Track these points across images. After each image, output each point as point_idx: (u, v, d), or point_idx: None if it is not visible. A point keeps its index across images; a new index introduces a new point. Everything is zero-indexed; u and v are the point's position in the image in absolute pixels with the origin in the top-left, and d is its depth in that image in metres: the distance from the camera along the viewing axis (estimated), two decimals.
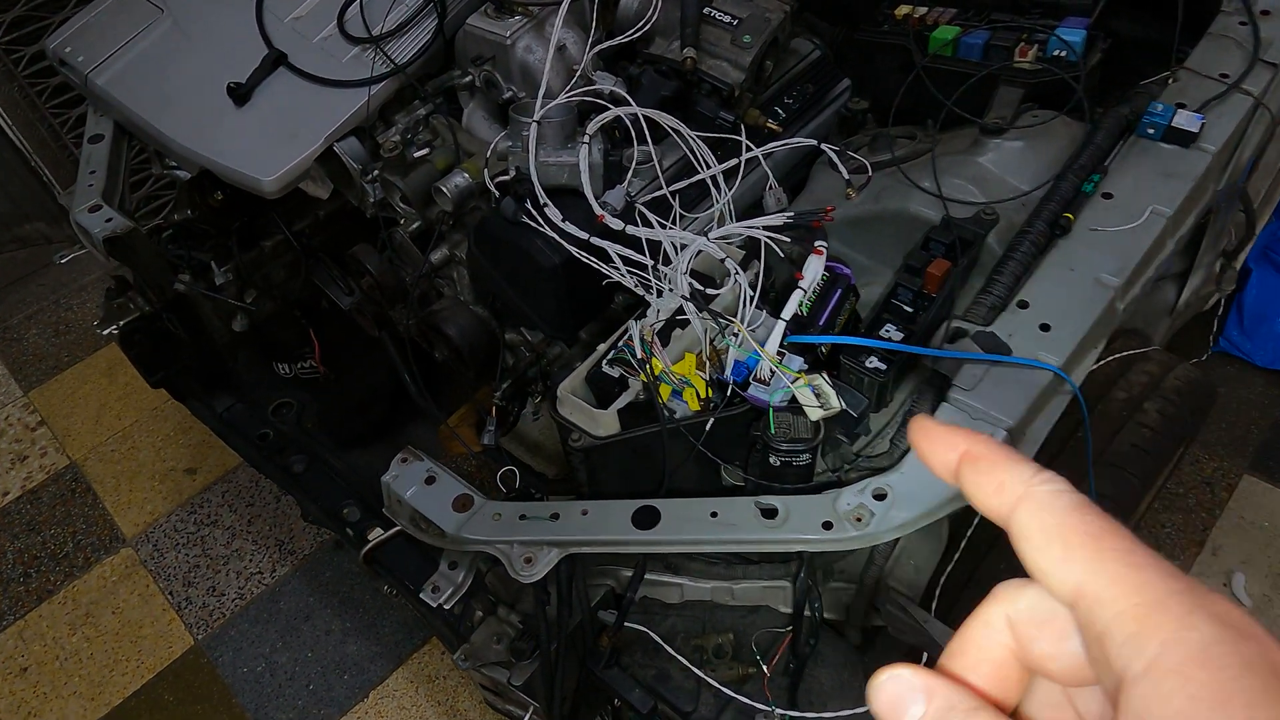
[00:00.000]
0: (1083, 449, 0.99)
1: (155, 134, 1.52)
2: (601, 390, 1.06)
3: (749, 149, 1.25)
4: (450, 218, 1.35)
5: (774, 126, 1.32)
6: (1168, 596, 0.25)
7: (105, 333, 1.60)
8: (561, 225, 1.13)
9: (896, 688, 0.29)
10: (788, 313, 0.94)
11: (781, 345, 0.96)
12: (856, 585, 1.00)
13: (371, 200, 1.47)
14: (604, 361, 1.05)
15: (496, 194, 1.18)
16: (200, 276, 1.69)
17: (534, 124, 1.16)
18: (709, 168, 1.25)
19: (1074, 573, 0.27)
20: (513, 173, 1.18)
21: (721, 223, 1.24)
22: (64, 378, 2.61)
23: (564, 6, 1.20)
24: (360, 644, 1.94)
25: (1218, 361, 2.25)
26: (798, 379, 0.92)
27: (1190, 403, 1.19)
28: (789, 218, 0.99)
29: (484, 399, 1.68)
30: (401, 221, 1.48)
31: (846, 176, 1.17)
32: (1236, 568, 1.88)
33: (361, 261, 1.54)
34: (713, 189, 1.25)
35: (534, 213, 1.13)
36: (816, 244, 0.95)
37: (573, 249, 1.11)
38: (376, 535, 1.45)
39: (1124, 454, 1.11)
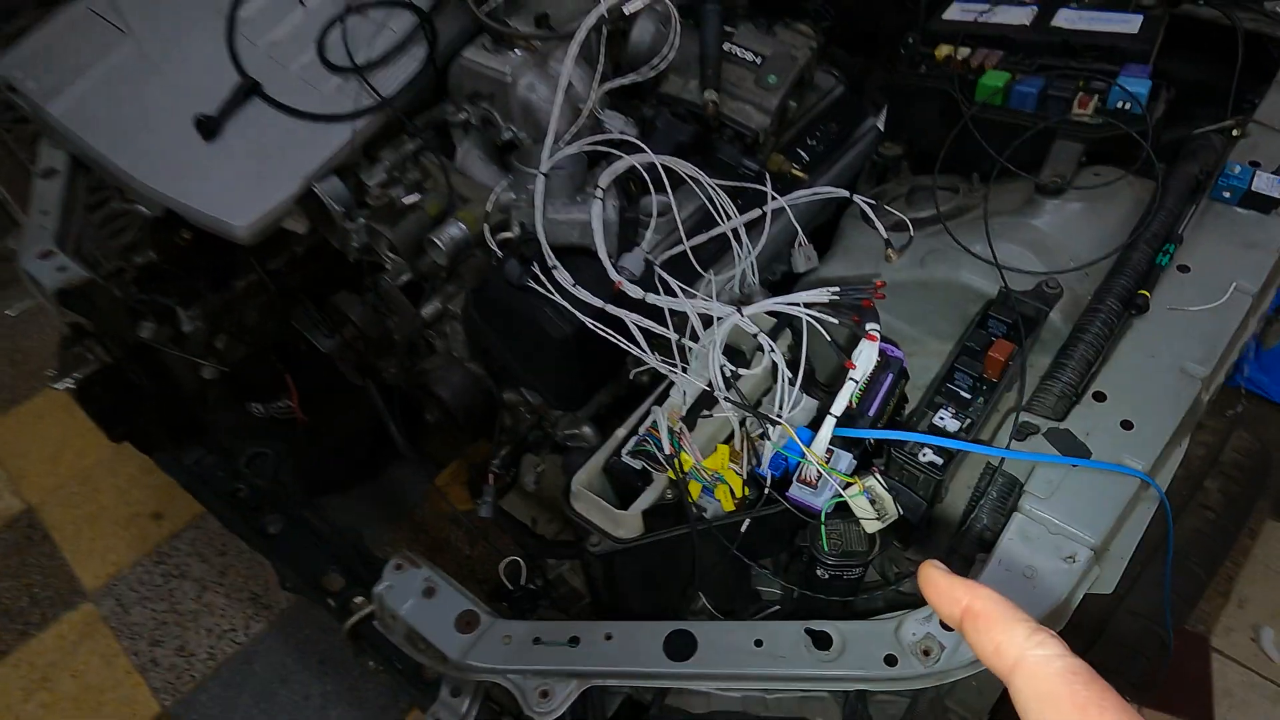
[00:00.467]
0: (1156, 551, 0.89)
1: (115, 170, 1.38)
2: (621, 482, 0.94)
3: (774, 198, 1.14)
4: (444, 270, 1.23)
5: (799, 173, 1.21)
6: None
7: (60, 387, 1.46)
8: (573, 291, 1.01)
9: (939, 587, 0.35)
10: (838, 407, 0.83)
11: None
12: (910, 702, 0.90)
13: (355, 245, 1.34)
14: (624, 451, 0.93)
15: (499, 253, 1.06)
16: (166, 322, 1.55)
17: (541, 176, 1.04)
18: (730, 219, 1.14)
19: None
20: (516, 229, 1.06)
21: (744, 281, 1.13)
22: (20, 412, 2.45)
23: (575, 42, 1.08)
24: (342, 710, 1.81)
25: (1232, 398, 2.18)
26: (851, 484, 0.81)
27: (1251, 476, 1.09)
28: (834, 294, 0.88)
29: (476, 454, 1.56)
30: (388, 268, 1.35)
31: (885, 235, 1.07)
32: (1264, 622, 1.80)
33: (343, 311, 1.41)
34: (734, 244, 1.13)
35: (541, 276, 1.01)
36: (869, 327, 0.84)
37: (585, 319, 1.00)
38: (362, 607, 1.33)
39: (1187, 541, 1.01)
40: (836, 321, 0.86)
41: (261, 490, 1.68)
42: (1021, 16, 1.16)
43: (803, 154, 1.27)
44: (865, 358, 0.84)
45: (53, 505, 2.21)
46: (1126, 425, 0.82)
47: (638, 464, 0.93)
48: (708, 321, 0.98)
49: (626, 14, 1.18)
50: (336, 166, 1.34)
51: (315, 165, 1.31)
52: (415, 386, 1.33)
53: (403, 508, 2.13)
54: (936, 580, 0.37)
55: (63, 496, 2.22)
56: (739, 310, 0.91)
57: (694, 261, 1.09)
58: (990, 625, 0.34)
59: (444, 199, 1.28)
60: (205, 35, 1.45)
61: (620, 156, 1.09)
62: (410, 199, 1.24)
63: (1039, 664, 0.32)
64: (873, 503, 0.81)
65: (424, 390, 1.31)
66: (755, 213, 1.16)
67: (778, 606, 1.03)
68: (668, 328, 0.98)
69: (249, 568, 2.04)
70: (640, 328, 0.99)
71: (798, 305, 0.89)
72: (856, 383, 0.83)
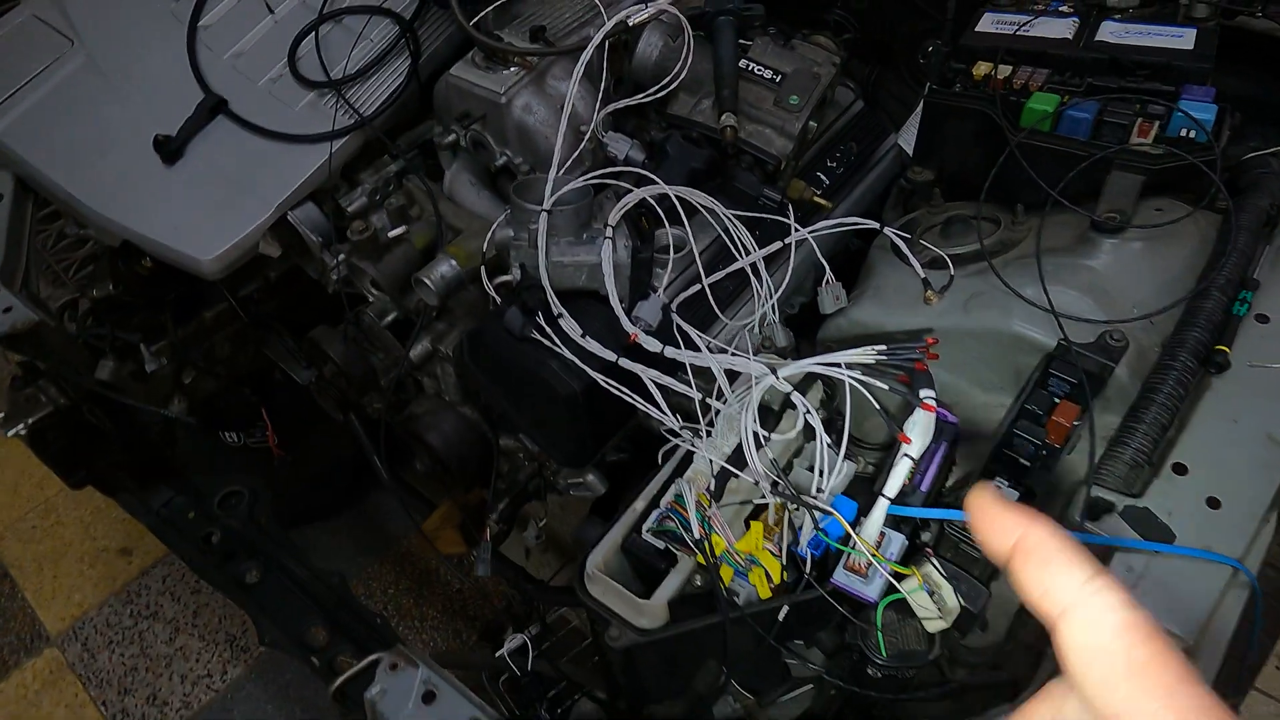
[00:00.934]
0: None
1: (64, 197, 1.26)
2: (640, 563, 0.84)
3: (796, 230, 1.04)
4: (434, 309, 1.12)
5: (822, 201, 1.11)
6: None
7: (10, 433, 1.33)
8: (581, 343, 0.90)
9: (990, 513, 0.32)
10: (892, 488, 0.73)
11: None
12: None
13: (335, 277, 1.23)
14: (645, 529, 0.83)
15: (497, 299, 0.95)
16: (128, 358, 1.42)
17: (544, 213, 0.93)
18: (748, 254, 1.04)
19: (1113, 699, 0.27)
20: (516, 272, 0.95)
21: (765, 322, 1.03)
22: None
23: (581, 63, 0.97)
24: None
25: None
26: (907, 575, 0.72)
27: None
28: (880, 353, 0.78)
29: (470, 496, 1.45)
30: (371, 301, 1.24)
31: (923, 275, 0.97)
32: None
33: (322, 348, 1.30)
34: (754, 281, 1.03)
35: (547, 328, 0.90)
36: (924, 395, 0.74)
37: (596, 375, 0.89)
38: (348, 666, 1.22)
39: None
40: (886, 387, 0.77)
41: (236, 533, 1.56)
42: (1062, 30, 1.06)
43: (823, 178, 1.17)
44: (921, 430, 0.74)
45: (11, 540, 2.07)
46: (1213, 503, 0.73)
47: (660, 543, 0.83)
48: (732, 374, 0.88)
49: (630, 25, 1.06)
50: (312, 192, 1.22)
51: (289, 191, 1.20)
52: (403, 432, 1.22)
53: (387, 538, 2.02)
54: (988, 507, 0.32)
55: (22, 531, 2.09)
56: (774, 372, 0.81)
57: (713, 304, 0.99)
58: (1044, 564, 0.30)
59: (432, 230, 1.17)
60: (164, 46, 1.33)
61: (629, 189, 0.98)
62: (396, 232, 1.12)
63: (1093, 613, 0.28)
64: (931, 593, 0.72)
65: (413, 437, 1.21)
66: (776, 245, 1.06)
67: (810, 686, 0.94)
68: (690, 386, 0.87)
69: (225, 607, 1.93)
70: (658, 383, 0.89)
71: (838, 366, 0.79)
72: (913, 459, 0.74)
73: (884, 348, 0.80)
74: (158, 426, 1.53)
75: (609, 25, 0.98)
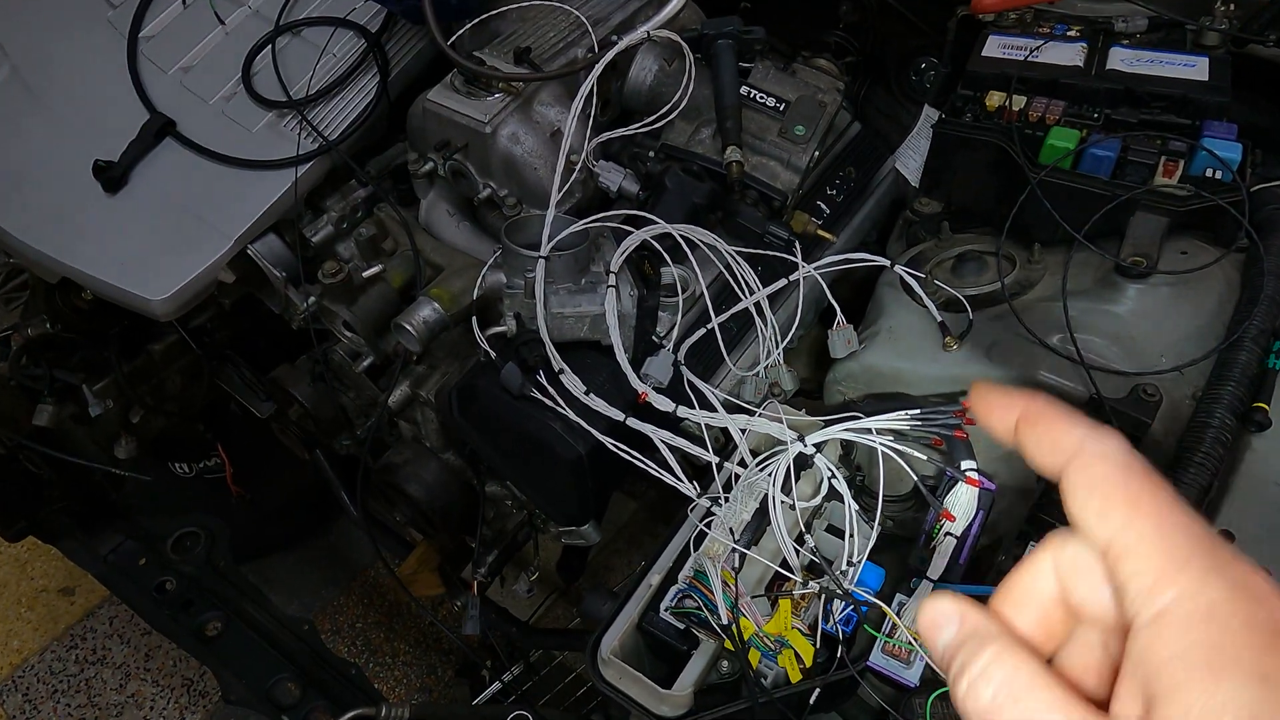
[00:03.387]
0: None
1: None
2: (657, 643, 0.78)
3: (803, 267, 0.99)
4: (414, 354, 1.04)
5: (826, 235, 1.05)
6: (1189, 558, 0.26)
7: None
8: (586, 401, 0.84)
9: (935, 612, 0.32)
10: (938, 570, 0.69)
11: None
12: None
13: (300, 312, 1.13)
14: (663, 607, 0.77)
15: (490, 353, 0.88)
16: (69, 399, 1.31)
17: (541, 260, 0.86)
18: (752, 292, 0.98)
19: (1107, 528, 0.28)
20: (511, 324, 0.88)
21: (770, 365, 0.98)
22: None
23: (581, 95, 0.90)
24: None
25: None
26: None
27: None
28: (914, 418, 0.73)
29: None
30: (342, 340, 1.15)
31: (939, 318, 0.92)
32: None
33: (288, 389, 1.21)
34: (758, 322, 0.98)
35: (548, 387, 0.83)
36: (966, 469, 0.70)
37: (603, 438, 0.83)
38: None
39: None
40: (924, 458, 0.72)
41: (194, 580, 1.46)
42: (1072, 55, 1.03)
43: (823, 206, 1.12)
44: (965, 506, 0.70)
45: None
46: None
47: (680, 623, 0.77)
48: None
49: (621, 47, 0.99)
50: (274, 222, 1.13)
51: (249, 222, 1.10)
52: (381, 483, 1.13)
53: (353, 568, 1.93)
54: (991, 395, 0.34)
55: None
56: (802, 439, 0.75)
57: (722, 349, 0.93)
58: (1049, 426, 0.31)
59: (409, 266, 1.08)
60: (100, 59, 1.21)
61: (626, 229, 0.92)
62: (371, 271, 1.04)
63: (1098, 455, 0.30)
64: None
65: (392, 488, 1.12)
66: (781, 283, 1.00)
67: None
68: (706, 448, 0.81)
69: (181, 650, 1.81)
70: (669, 445, 0.83)
71: (868, 432, 0.74)
72: (956, 538, 0.69)
73: (917, 411, 0.75)
74: (103, 470, 1.41)
75: (610, 54, 0.91)
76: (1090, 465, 0.30)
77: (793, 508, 0.77)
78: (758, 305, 0.98)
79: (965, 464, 0.71)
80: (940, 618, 0.32)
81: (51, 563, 1.94)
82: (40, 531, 1.42)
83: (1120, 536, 0.28)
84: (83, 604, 1.88)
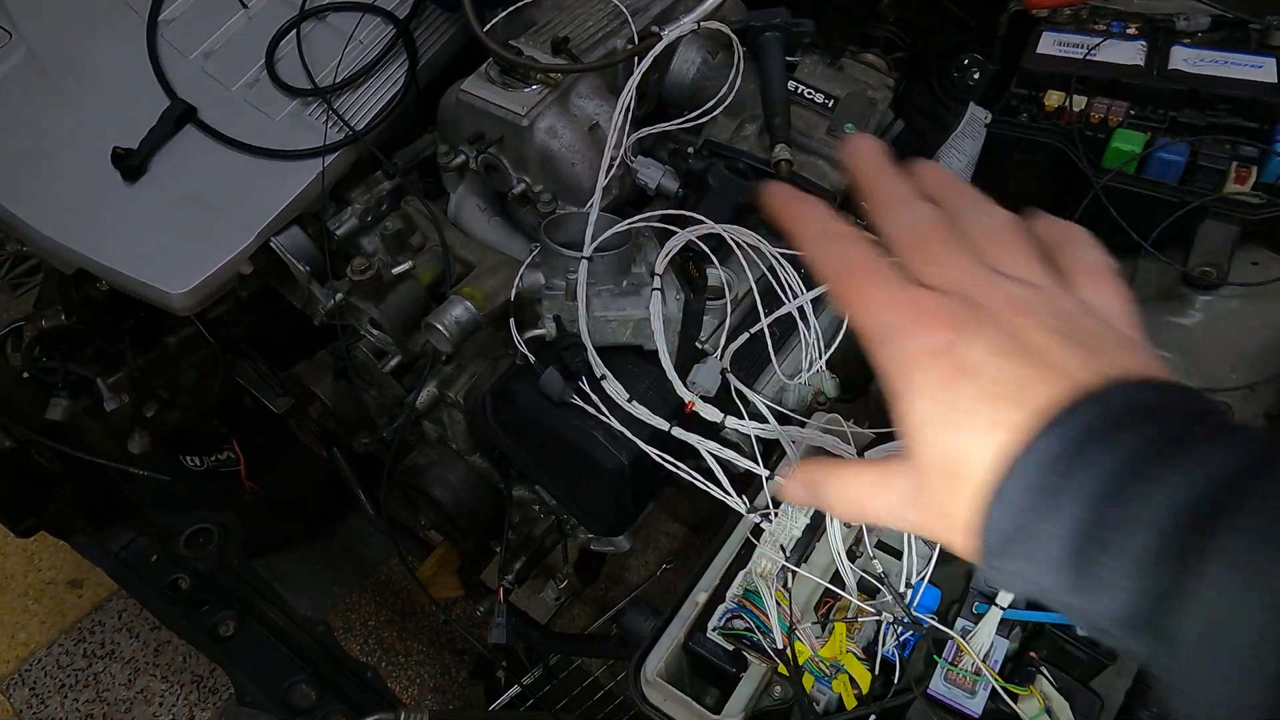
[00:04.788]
0: None
1: (8, 219, 1.10)
2: (703, 664, 0.75)
3: None
4: (444, 355, 1.00)
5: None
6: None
7: None
8: (628, 408, 0.80)
9: (787, 486, 0.43)
10: (1006, 598, 0.66)
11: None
12: None
13: (323, 309, 1.10)
14: (710, 627, 0.74)
15: (530, 358, 0.84)
16: (82, 393, 1.27)
17: (584, 260, 0.82)
18: (796, 295, 0.94)
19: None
20: (551, 326, 0.84)
21: (813, 370, 0.94)
22: None
23: (627, 91, 0.86)
24: None
25: None
26: (1025, 696, 0.64)
27: None
28: None
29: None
30: (366, 337, 1.11)
31: None
32: None
33: (309, 386, 1.17)
34: (801, 327, 0.94)
35: (591, 394, 0.80)
36: None
37: (646, 448, 0.79)
38: None
39: None
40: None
41: (207, 578, 1.43)
42: (1132, 55, 0.99)
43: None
44: None
45: None
46: None
47: (729, 645, 0.74)
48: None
49: (664, 36, 0.95)
50: (297, 214, 1.09)
51: (273, 214, 1.06)
52: (404, 486, 1.10)
53: (365, 565, 1.90)
54: (785, 198, 0.41)
55: None
56: (860, 455, 0.72)
57: (772, 354, 0.89)
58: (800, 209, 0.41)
59: (438, 263, 1.05)
60: (119, 43, 1.17)
61: (669, 228, 0.88)
62: (401, 268, 1.00)
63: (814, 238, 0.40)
64: (1049, 712, 0.65)
65: (417, 490, 1.09)
66: (825, 287, 0.96)
67: None
68: (757, 461, 0.78)
69: (190, 644, 1.78)
70: (717, 457, 0.79)
71: None
72: None
73: None
74: (116, 466, 1.38)
75: (659, 47, 0.87)
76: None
77: (849, 525, 0.74)
78: (801, 309, 0.95)
79: None
80: (791, 487, 0.42)
81: (60, 555, 1.91)
82: (51, 527, 1.39)
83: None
84: (91, 597, 1.85)
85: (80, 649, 1.78)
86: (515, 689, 1.41)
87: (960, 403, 0.32)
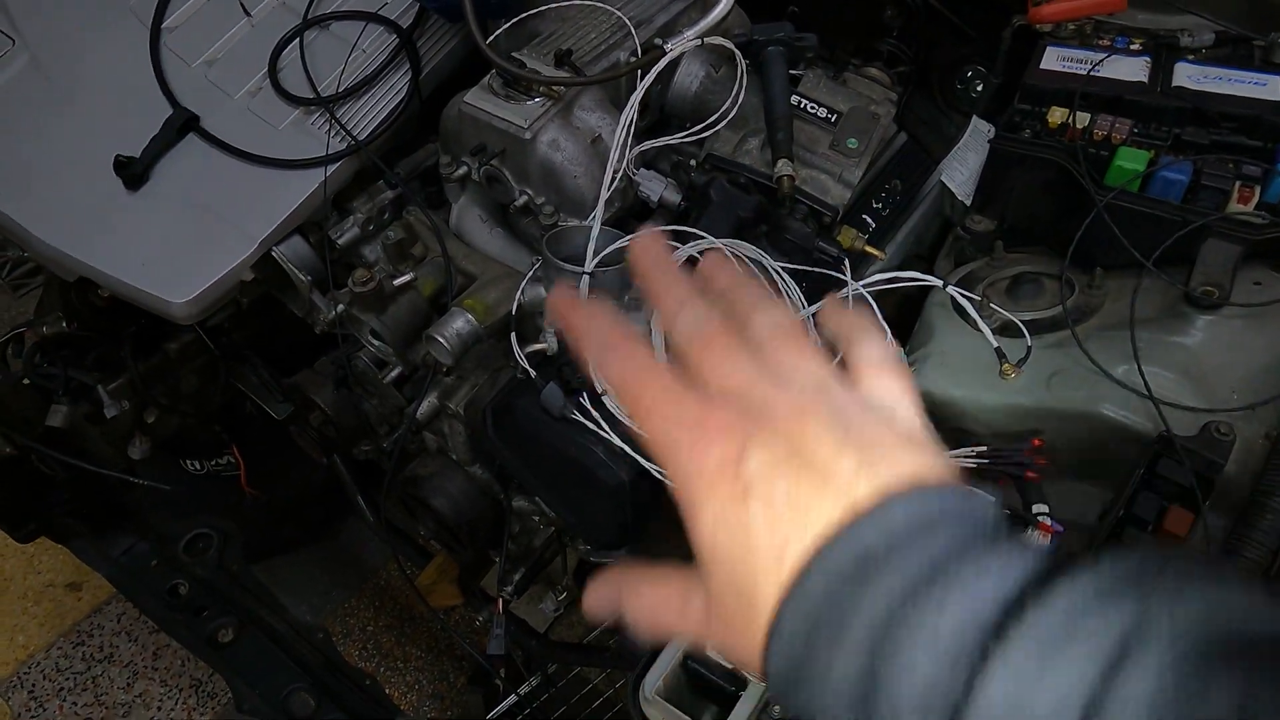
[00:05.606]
0: None
1: (10, 226, 1.10)
2: (701, 682, 0.75)
3: (853, 285, 0.95)
4: (445, 367, 1.00)
5: (875, 251, 1.02)
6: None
7: None
8: (630, 424, 0.80)
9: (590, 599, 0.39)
10: None
11: None
12: None
13: (324, 318, 1.10)
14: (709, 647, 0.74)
15: (530, 372, 0.84)
16: (82, 399, 1.27)
17: (585, 275, 0.82)
18: (797, 310, 0.94)
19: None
20: (552, 341, 0.84)
21: None
22: None
23: (632, 104, 0.86)
24: None
25: None
26: None
27: None
28: (981, 456, 0.70)
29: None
30: (368, 346, 1.11)
31: (995, 344, 0.89)
32: None
33: (309, 395, 1.17)
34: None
35: (592, 409, 0.80)
36: (1038, 513, 0.66)
37: (648, 464, 0.79)
38: None
39: None
40: (990, 498, 0.68)
41: (206, 584, 1.43)
42: (1135, 71, 0.99)
43: (869, 220, 1.08)
44: None
45: None
46: None
47: (728, 662, 0.74)
48: None
49: (668, 51, 0.95)
50: (300, 223, 1.09)
51: (275, 224, 1.06)
52: (404, 496, 1.10)
53: (363, 570, 1.90)
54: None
55: None
56: None
57: None
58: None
59: (440, 274, 1.05)
60: (122, 50, 1.17)
61: (673, 245, 0.88)
62: (402, 280, 1.00)
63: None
64: None
65: (416, 501, 1.09)
66: (825, 302, 0.96)
67: None
68: None
69: (189, 650, 1.78)
70: None
71: None
72: None
73: (985, 449, 0.71)
74: (117, 468, 1.38)
75: (663, 62, 0.87)
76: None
77: None
78: (816, 319, 0.95)
79: (1036, 507, 0.67)
80: (594, 603, 0.39)
81: (59, 557, 1.91)
82: (51, 532, 1.39)
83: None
84: (90, 600, 1.85)
85: (79, 652, 1.78)
86: (512, 699, 1.41)
87: (746, 526, 0.31)
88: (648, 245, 0.41)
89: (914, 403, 0.37)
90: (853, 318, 0.41)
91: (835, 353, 0.39)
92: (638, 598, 0.38)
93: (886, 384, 0.37)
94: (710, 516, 0.32)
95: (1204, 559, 0.51)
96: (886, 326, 0.93)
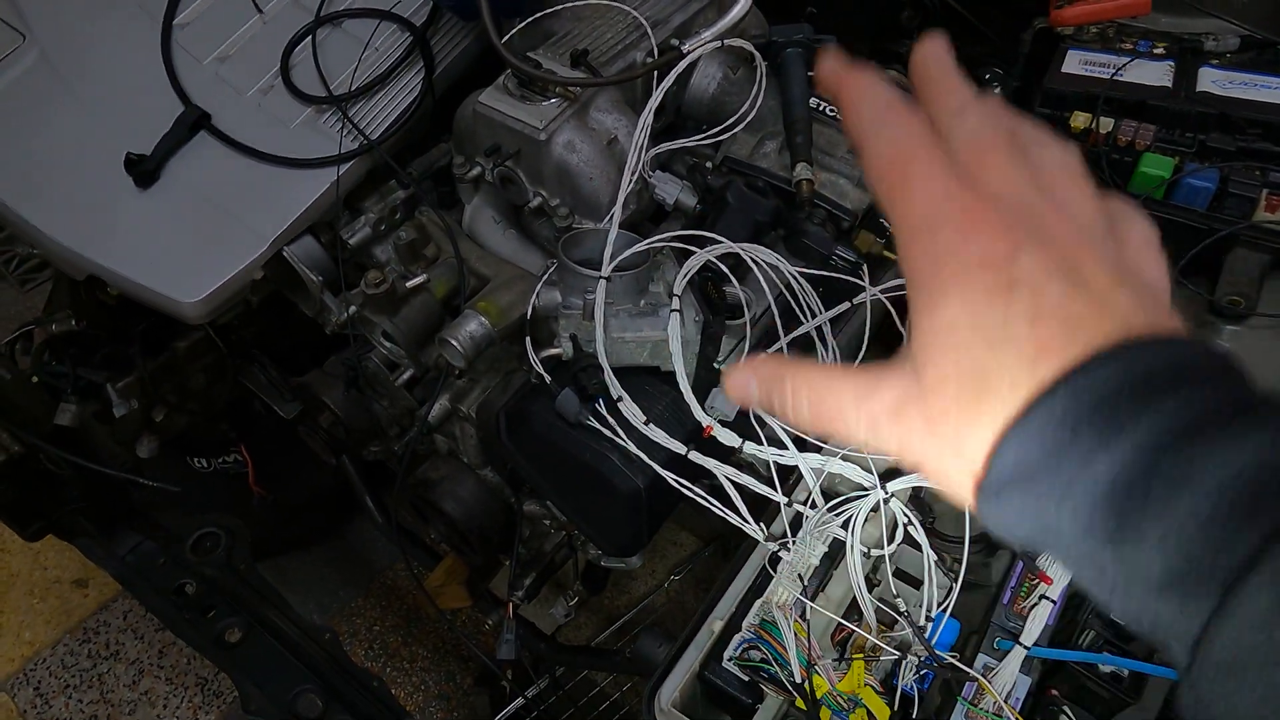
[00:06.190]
0: None
1: (19, 224, 1.09)
2: (717, 693, 0.74)
3: (870, 290, 0.94)
4: (458, 370, 0.99)
5: (892, 255, 1.00)
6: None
7: None
8: (645, 431, 0.79)
9: (734, 381, 0.39)
10: (1031, 636, 0.64)
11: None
12: None
13: (335, 320, 1.09)
14: (726, 657, 0.73)
15: (545, 377, 0.83)
16: (91, 398, 1.26)
17: (602, 280, 0.81)
18: (815, 315, 0.93)
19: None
20: (568, 346, 0.83)
21: None
22: None
23: (649, 108, 0.85)
24: None
25: None
26: None
27: None
28: None
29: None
30: (380, 348, 1.10)
31: None
32: None
33: (319, 396, 1.16)
34: (820, 348, 0.93)
35: (608, 416, 0.79)
36: None
37: (662, 471, 0.78)
38: None
39: None
40: None
41: (214, 583, 1.42)
42: (1159, 75, 0.97)
43: (885, 223, 1.06)
44: (1063, 568, 0.65)
45: None
46: None
47: (745, 675, 0.73)
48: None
49: (685, 52, 0.94)
50: (311, 223, 1.08)
51: (286, 223, 1.05)
52: (415, 499, 1.09)
53: (371, 569, 1.89)
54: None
55: None
56: (883, 487, 0.71)
57: None
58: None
59: (453, 276, 1.04)
60: (133, 47, 1.16)
61: (688, 249, 0.87)
62: (415, 282, 0.99)
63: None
64: None
65: (427, 504, 1.08)
66: (844, 306, 0.95)
67: None
68: (775, 488, 0.77)
69: (196, 650, 1.78)
70: (735, 483, 0.78)
71: None
72: (1055, 603, 0.64)
73: None
74: (125, 467, 1.37)
75: (682, 64, 0.86)
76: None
77: (868, 555, 0.73)
78: (819, 330, 0.94)
79: None
80: (740, 380, 0.38)
81: (66, 554, 1.90)
82: (58, 530, 1.39)
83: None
84: (96, 597, 1.84)
85: (85, 649, 1.78)
86: (520, 701, 1.40)
87: (1005, 319, 0.29)
88: (933, 49, 0.38)
89: (1169, 286, 0.35)
90: (1122, 198, 0.37)
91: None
92: (806, 376, 0.36)
93: (1151, 260, 0.35)
94: (958, 301, 0.30)
95: None
96: (906, 332, 0.92)
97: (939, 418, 0.31)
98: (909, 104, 0.35)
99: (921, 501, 0.82)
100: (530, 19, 1.03)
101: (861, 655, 0.69)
